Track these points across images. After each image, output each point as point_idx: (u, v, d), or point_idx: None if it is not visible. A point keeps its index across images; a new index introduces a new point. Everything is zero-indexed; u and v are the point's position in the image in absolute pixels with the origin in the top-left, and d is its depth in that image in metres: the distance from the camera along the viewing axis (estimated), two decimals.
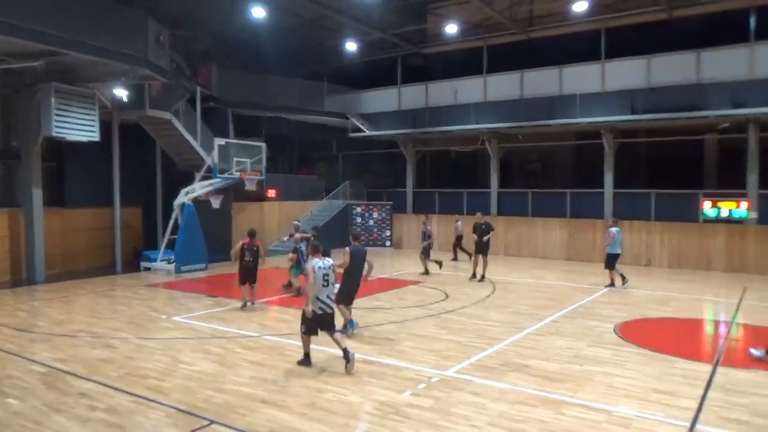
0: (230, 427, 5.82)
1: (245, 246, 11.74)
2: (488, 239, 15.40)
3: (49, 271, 15.69)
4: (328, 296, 7.74)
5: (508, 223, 22.04)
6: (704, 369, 7.79)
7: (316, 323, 7.67)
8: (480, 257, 15.42)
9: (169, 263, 17.00)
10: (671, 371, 7.67)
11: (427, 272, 16.55)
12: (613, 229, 14.38)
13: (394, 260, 20.51)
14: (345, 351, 7.57)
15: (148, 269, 17.19)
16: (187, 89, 18.46)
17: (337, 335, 7.85)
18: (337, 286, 8.43)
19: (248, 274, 11.74)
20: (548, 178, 25.39)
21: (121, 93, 16.20)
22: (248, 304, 11.82)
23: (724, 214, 17.90)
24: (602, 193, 20.14)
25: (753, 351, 8.38)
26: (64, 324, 10.46)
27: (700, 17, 18.46)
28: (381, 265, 18.39)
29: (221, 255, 17.38)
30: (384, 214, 24.24)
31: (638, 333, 9.87)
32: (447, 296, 13.22)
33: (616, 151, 20.18)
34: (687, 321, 11.11)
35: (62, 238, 17.28)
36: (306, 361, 7.88)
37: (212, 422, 5.95)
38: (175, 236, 17.10)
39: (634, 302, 12.60)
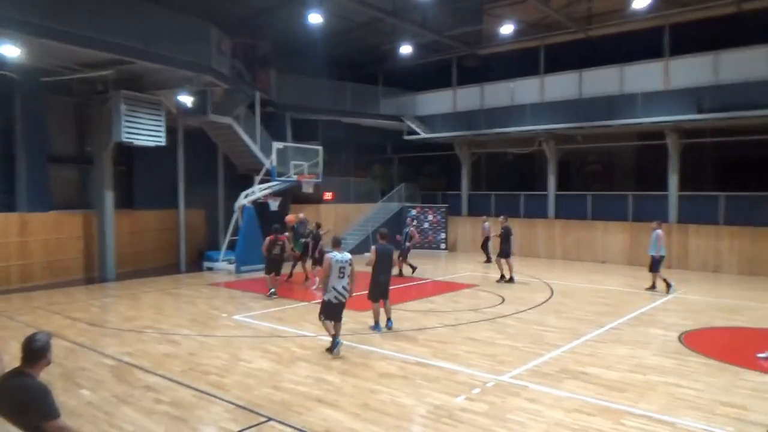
0: (287, 425, 5.95)
1: (273, 241, 13.26)
2: (507, 245, 15.60)
3: (119, 270, 16.51)
4: (343, 287, 8.54)
5: (566, 227, 21.52)
6: None
7: (334, 310, 8.57)
8: (502, 260, 15.76)
9: (229, 263, 17.55)
10: (741, 383, 7.30)
11: (401, 274, 16.45)
12: (659, 232, 14.04)
13: (449, 263, 20.40)
14: (334, 337, 8.52)
15: (210, 269, 17.82)
16: (247, 94, 19.02)
17: (338, 325, 8.71)
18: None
19: (276, 265, 13.38)
20: (608, 180, 24.61)
21: (186, 99, 16.88)
22: (274, 293, 13.18)
23: None
24: (666, 195, 19.33)
25: (759, 355, 8.38)
26: (132, 320, 10.99)
27: None
28: (435, 268, 18.38)
29: None
30: (439, 217, 24.16)
31: (705, 342, 9.44)
32: (503, 300, 13.05)
33: (681, 152, 19.34)
34: (759, 331, 10.51)
35: (131, 239, 18.13)
36: (334, 345, 8.47)
37: (270, 419, 6.10)
38: (236, 237, 17.63)
39: (700, 310, 12.04)
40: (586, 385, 7.21)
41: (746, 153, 19.84)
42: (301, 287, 14.77)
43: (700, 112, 17.72)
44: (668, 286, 13.98)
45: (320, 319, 8.68)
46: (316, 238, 15.00)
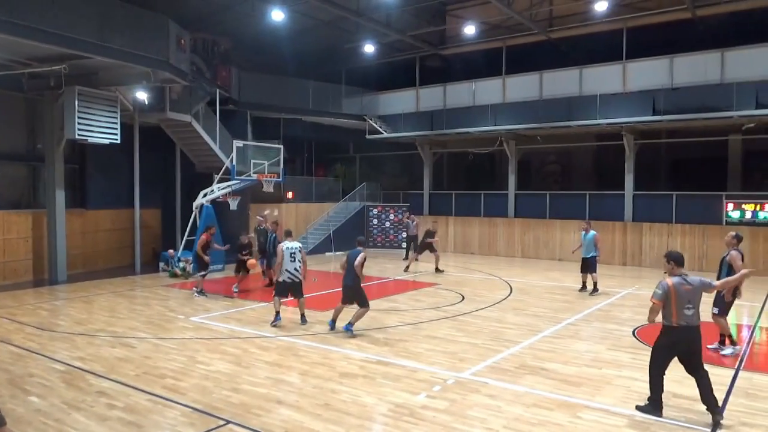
0: (246, 428, 5.84)
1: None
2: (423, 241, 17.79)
3: (70, 271, 15.95)
4: (295, 269, 10.19)
5: (526, 225, 21.88)
6: (726, 374, 7.64)
7: (286, 289, 10.26)
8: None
9: (187, 264, 17.13)
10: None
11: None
12: (595, 233, 13.83)
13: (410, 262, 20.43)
14: (302, 316, 10.39)
15: (166, 270, 17.36)
16: (207, 92, 18.63)
17: (302, 300, 10.41)
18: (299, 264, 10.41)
19: (241, 264, 14.10)
20: (567, 179, 25.15)
21: (143, 96, 16.43)
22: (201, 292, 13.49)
23: (748, 216, 17.58)
24: (623, 195, 19.88)
25: (709, 346, 8.58)
26: (84, 323, 10.62)
27: (725, 16, 18.17)
28: (397, 267, 18.43)
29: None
30: (400, 216, 24.20)
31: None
32: (463, 298, 13.15)
33: (637, 153, 19.91)
34: (708, 325, 10.87)
35: (83, 239, 17.58)
36: (277, 318, 10.22)
37: (228, 422, 5.98)
38: (193, 237, 17.22)
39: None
40: (545, 380, 7.32)
41: (699, 154, 20.61)
42: (261, 288, 14.56)
43: (655, 113, 18.26)
44: (595, 288, 13.72)
45: (274, 295, 10.39)
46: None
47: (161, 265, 17.47)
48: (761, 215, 17.39)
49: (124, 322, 10.73)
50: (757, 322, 11.13)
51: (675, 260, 6.29)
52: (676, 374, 7.57)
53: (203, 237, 13.75)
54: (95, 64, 14.10)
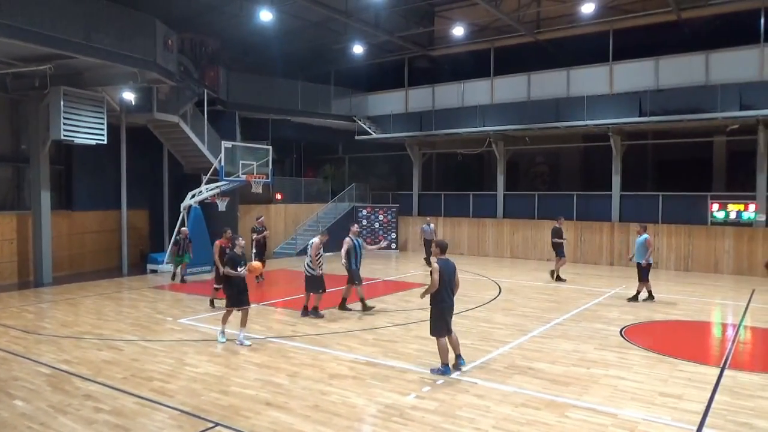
0: (235, 430, 5.82)
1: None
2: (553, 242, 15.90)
3: (56, 273, 15.79)
4: (307, 264, 10.92)
5: (514, 226, 21.98)
6: (711, 372, 7.72)
7: (304, 282, 11.01)
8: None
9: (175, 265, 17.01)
10: (678, 374, 7.61)
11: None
12: (647, 236, 12.71)
13: (400, 263, 20.48)
14: (305, 308, 11.08)
15: (154, 271, 17.26)
16: (195, 92, 18.54)
17: (308, 295, 11.05)
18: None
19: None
20: (555, 180, 25.31)
21: (129, 96, 16.32)
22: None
23: (733, 216, 17.81)
24: (610, 195, 20.04)
25: None
26: (71, 326, 10.51)
27: (709, 18, 18.40)
28: (386, 267, 18.44)
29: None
30: (390, 217, 24.23)
31: (645, 336, 9.80)
32: None
33: (624, 154, 20.07)
34: (694, 324, 11.02)
35: (69, 241, 17.41)
36: (306, 312, 11.01)
37: (217, 424, 5.95)
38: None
39: (640, 305, 12.50)
40: (533, 380, 7.36)
41: (684, 154, 20.83)
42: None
43: (641, 114, 18.42)
44: (650, 296, 12.84)
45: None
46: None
47: (148, 266, 17.35)
48: (745, 215, 17.62)
49: (111, 324, 10.63)
50: (741, 320, 11.28)
51: None
52: (662, 373, 7.68)
53: (218, 243, 11.64)
54: (81, 64, 13.99)
